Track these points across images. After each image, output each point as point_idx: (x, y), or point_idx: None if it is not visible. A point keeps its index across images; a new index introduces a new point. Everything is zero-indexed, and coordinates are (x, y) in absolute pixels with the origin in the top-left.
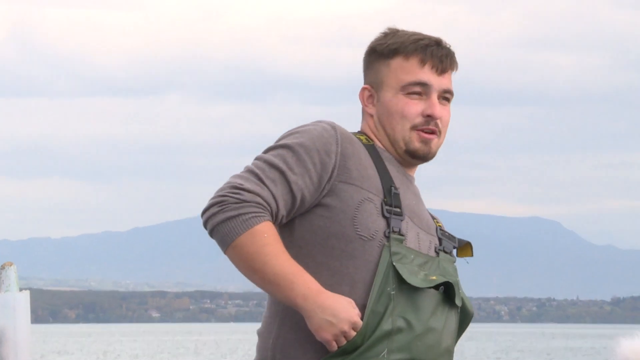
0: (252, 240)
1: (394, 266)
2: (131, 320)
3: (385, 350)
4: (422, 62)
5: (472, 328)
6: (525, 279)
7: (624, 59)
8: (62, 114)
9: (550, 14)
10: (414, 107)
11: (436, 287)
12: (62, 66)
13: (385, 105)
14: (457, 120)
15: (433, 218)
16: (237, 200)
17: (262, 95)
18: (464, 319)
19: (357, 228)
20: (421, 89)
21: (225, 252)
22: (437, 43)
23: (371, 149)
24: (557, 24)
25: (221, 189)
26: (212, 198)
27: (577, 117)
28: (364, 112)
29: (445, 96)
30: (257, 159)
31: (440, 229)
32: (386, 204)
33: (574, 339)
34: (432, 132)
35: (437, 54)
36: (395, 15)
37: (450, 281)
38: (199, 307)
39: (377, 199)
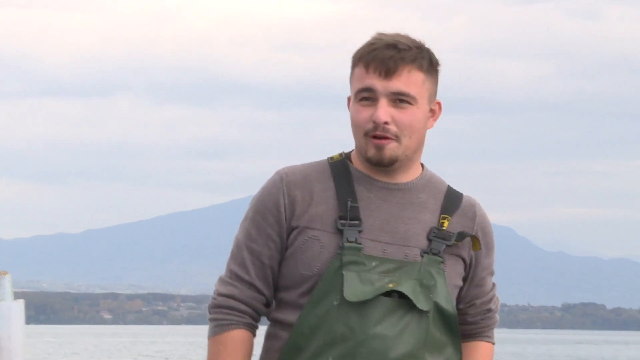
0: (211, 346)
1: (342, 275)
2: (83, 321)
3: (330, 358)
4: (367, 67)
5: None
6: None
7: (574, 68)
8: (11, 115)
9: (500, 22)
10: (364, 114)
11: (387, 294)
12: (9, 67)
13: (350, 115)
14: None
15: (444, 216)
16: (212, 305)
17: (212, 98)
18: (447, 321)
19: (301, 268)
20: (369, 95)
21: None
22: (389, 45)
23: (339, 170)
24: (507, 31)
25: (215, 288)
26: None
27: (528, 125)
28: None
29: (401, 98)
30: (236, 237)
31: (437, 229)
32: (341, 218)
33: (522, 344)
34: (384, 138)
35: (381, 56)
36: (346, 20)
37: (400, 290)
38: (152, 309)
39: (325, 233)
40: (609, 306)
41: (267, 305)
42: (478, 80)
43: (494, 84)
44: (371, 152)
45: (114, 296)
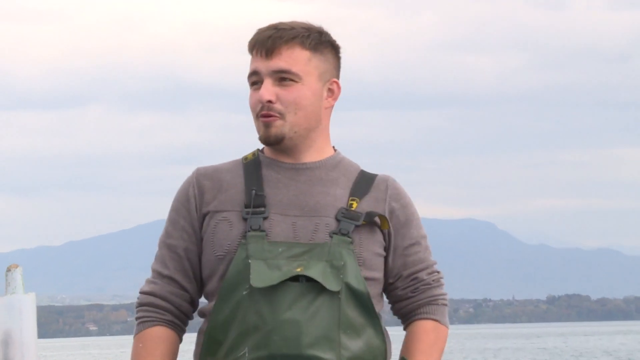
0: (133, 345)
1: (249, 264)
2: (68, 334)
3: (246, 349)
4: (252, 52)
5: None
6: (461, 280)
7: (542, 59)
8: None
9: (468, 17)
10: (254, 97)
11: (295, 278)
12: None
13: None
14: (381, 124)
15: (353, 198)
16: (136, 304)
17: (183, 104)
18: (361, 300)
19: (215, 251)
20: (256, 78)
21: None
22: (270, 27)
23: (250, 162)
24: (475, 26)
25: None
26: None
27: (501, 118)
28: None
29: (283, 76)
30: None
31: (345, 210)
32: (246, 207)
33: (509, 338)
34: (270, 116)
35: (261, 38)
36: (314, 21)
37: (307, 274)
38: None
39: (234, 212)
40: (594, 297)
41: (192, 303)
42: (449, 75)
43: (465, 79)
44: (260, 131)
45: (99, 307)
